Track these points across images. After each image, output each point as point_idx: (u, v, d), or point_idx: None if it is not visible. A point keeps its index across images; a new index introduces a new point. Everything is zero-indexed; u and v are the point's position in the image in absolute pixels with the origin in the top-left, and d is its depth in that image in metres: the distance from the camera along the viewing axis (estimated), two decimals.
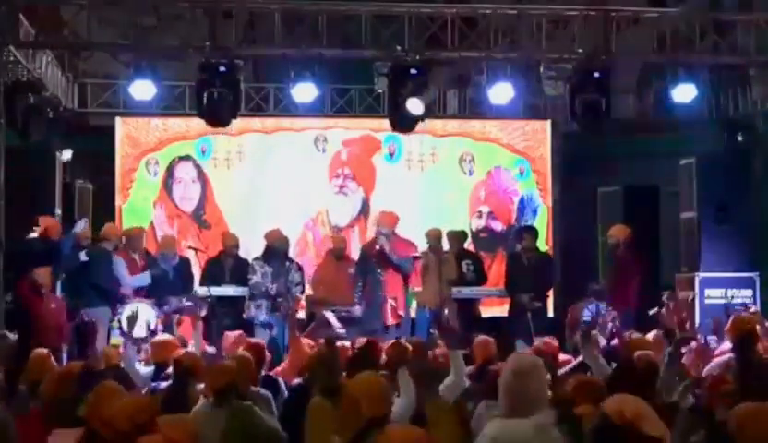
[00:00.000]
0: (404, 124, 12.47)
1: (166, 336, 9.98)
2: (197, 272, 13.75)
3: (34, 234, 12.52)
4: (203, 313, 12.77)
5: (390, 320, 13.11)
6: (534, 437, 4.90)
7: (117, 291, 12.74)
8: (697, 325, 11.96)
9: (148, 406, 5.26)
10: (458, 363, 7.32)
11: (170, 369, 7.84)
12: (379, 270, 13.19)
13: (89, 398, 5.57)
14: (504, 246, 15.38)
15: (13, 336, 9.89)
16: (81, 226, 13.00)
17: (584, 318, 12.72)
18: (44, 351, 8.29)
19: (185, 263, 13.49)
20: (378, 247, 13.25)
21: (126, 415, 5.12)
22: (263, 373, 8.27)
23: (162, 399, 6.59)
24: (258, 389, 7.48)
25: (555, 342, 9.37)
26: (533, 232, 13.95)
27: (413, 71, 11.78)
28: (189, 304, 12.69)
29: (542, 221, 15.65)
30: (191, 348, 9.26)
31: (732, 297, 13.36)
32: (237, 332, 9.89)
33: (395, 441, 4.74)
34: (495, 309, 14.48)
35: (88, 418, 5.40)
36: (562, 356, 9.40)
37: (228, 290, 13.20)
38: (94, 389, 5.69)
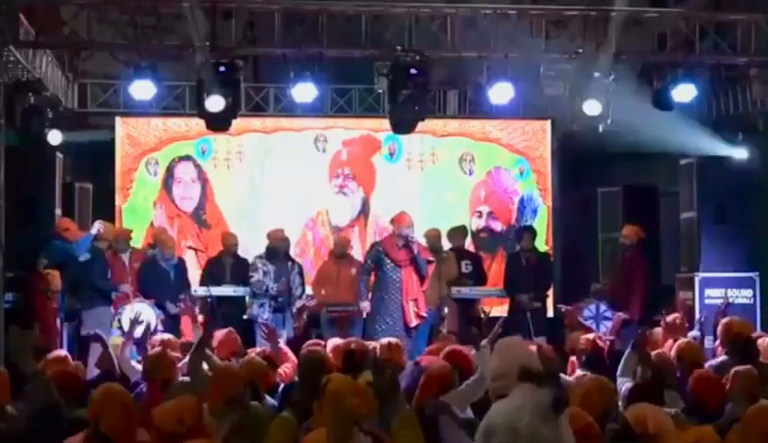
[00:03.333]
0: (403, 127, 12.50)
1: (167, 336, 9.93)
2: (196, 272, 13.77)
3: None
4: (197, 312, 12.81)
5: (414, 321, 13.04)
6: (530, 418, 4.91)
7: (114, 290, 12.75)
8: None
9: (195, 407, 5.23)
10: (483, 360, 7.30)
11: None
12: (395, 270, 13.08)
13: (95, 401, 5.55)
14: (504, 246, 15.38)
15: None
16: (96, 228, 13.06)
17: (586, 320, 12.76)
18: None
19: (183, 263, 13.48)
20: (414, 249, 13.09)
21: (174, 417, 5.09)
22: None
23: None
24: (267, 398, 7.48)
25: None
26: (531, 231, 13.96)
27: (413, 71, 11.77)
28: (188, 304, 12.75)
29: (542, 221, 15.65)
30: None
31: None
32: (225, 331, 9.73)
33: None
34: (495, 309, 14.47)
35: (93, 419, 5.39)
36: None
37: (228, 290, 13.20)
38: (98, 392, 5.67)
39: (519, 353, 5.32)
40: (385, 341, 9.55)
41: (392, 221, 13.40)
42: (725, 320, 9.87)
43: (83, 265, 12.71)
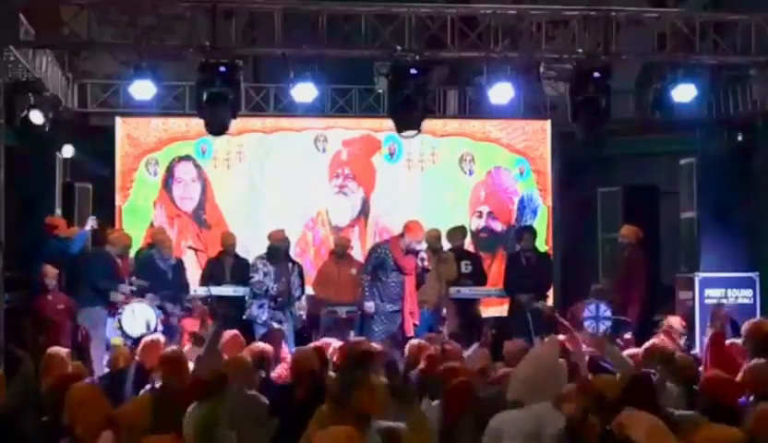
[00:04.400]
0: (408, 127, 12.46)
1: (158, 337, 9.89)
2: (196, 272, 13.75)
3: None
4: (199, 313, 12.80)
5: (411, 332, 12.97)
6: (532, 425, 4.97)
7: (115, 290, 12.74)
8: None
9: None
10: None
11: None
12: (396, 275, 12.99)
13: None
14: (504, 246, 15.38)
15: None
16: (90, 224, 13.08)
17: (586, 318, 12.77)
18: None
19: (181, 264, 13.44)
20: (419, 263, 13.00)
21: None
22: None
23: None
24: (254, 394, 7.45)
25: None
26: (531, 231, 13.95)
27: (413, 71, 11.76)
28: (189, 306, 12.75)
29: (542, 222, 15.65)
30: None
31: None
32: (231, 332, 9.78)
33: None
34: (495, 309, 14.49)
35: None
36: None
37: (228, 290, 13.20)
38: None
39: (554, 370, 5.30)
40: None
41: (406, 229, 13.14)
42: (754, 321, 9.72)
43: (83, 264, 12.70)
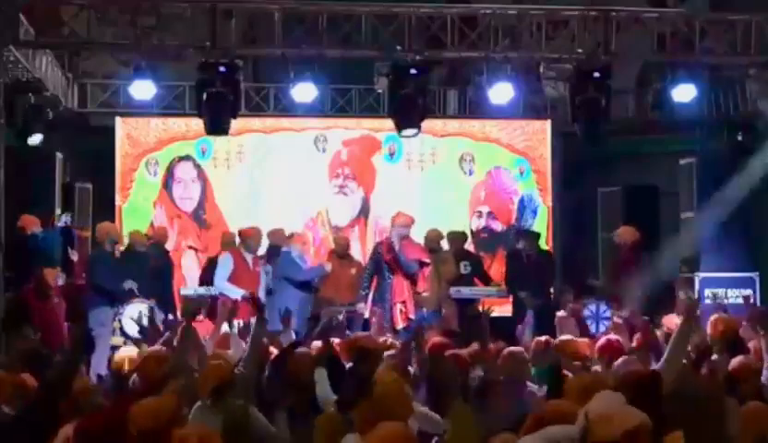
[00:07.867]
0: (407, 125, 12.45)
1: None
2: (196, 272, 13.75)
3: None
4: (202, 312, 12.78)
5: (401, 324, 12.98)
6: None
7: (117, 291, 12.72)
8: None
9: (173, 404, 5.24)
10: None
11: None
12: (389, 274, 13.05)
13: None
14: (504, 246, 15.36)
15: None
16: (64, 220, 13.05)
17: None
18: None
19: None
20: (394, 247, 13.04)
21: (150, 414, 5.07)
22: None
23: None
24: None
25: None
26: (533, 236, 13.87)
27: (413, 71, 11.77)
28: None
29: (542, 222, 15.65)
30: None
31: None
32: (223, 332, 9.78)
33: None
34: (494, 309, 14.45)
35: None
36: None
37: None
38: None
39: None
40: None
41: (393, 221, 13.40)
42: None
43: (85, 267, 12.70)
